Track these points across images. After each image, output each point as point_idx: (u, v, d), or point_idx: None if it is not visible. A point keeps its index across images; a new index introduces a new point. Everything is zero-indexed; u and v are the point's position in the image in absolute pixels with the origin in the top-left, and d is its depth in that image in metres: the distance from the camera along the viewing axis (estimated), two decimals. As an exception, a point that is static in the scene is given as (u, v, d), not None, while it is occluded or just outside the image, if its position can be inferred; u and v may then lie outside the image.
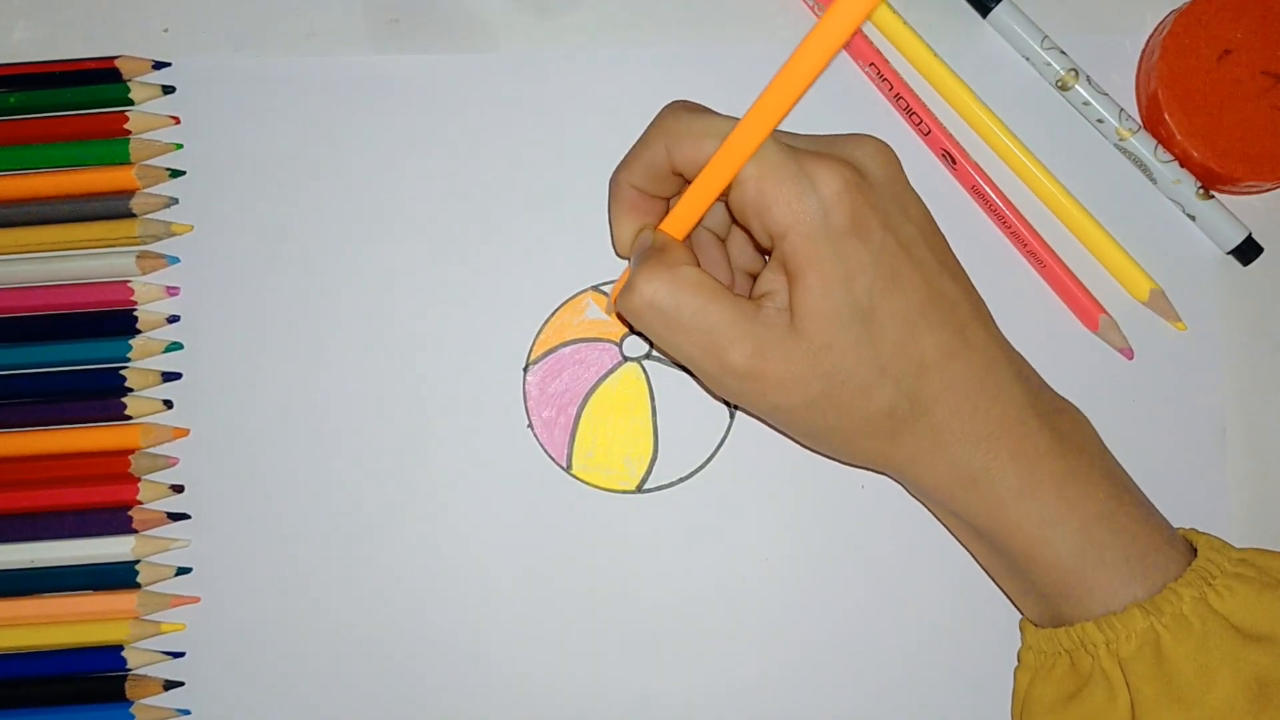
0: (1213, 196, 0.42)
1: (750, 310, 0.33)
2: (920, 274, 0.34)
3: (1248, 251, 0.42)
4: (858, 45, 0.42)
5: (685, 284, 0.33)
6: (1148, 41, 0.43)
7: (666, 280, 0.33)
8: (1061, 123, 0.43)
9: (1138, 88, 0.43)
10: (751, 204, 0.33)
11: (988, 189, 0.41)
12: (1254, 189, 0.42)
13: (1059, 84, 0.42)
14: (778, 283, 0.34)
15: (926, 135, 0.42)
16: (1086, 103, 0.42)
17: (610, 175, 0.37)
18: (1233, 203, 0.42)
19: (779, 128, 0.32)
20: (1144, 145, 0.42)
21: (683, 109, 0.35)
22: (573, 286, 0.42)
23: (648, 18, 0.43)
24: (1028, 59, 0.42)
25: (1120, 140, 0.42)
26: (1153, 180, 0.42)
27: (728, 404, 0.42)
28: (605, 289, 0.42)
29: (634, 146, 0.36)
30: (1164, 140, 0.42)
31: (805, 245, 0.32)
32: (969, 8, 0.43)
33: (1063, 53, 0.42)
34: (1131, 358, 0.42)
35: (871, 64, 0.42)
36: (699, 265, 0.34)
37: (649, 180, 0.36)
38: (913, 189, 0.36)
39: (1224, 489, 0.41)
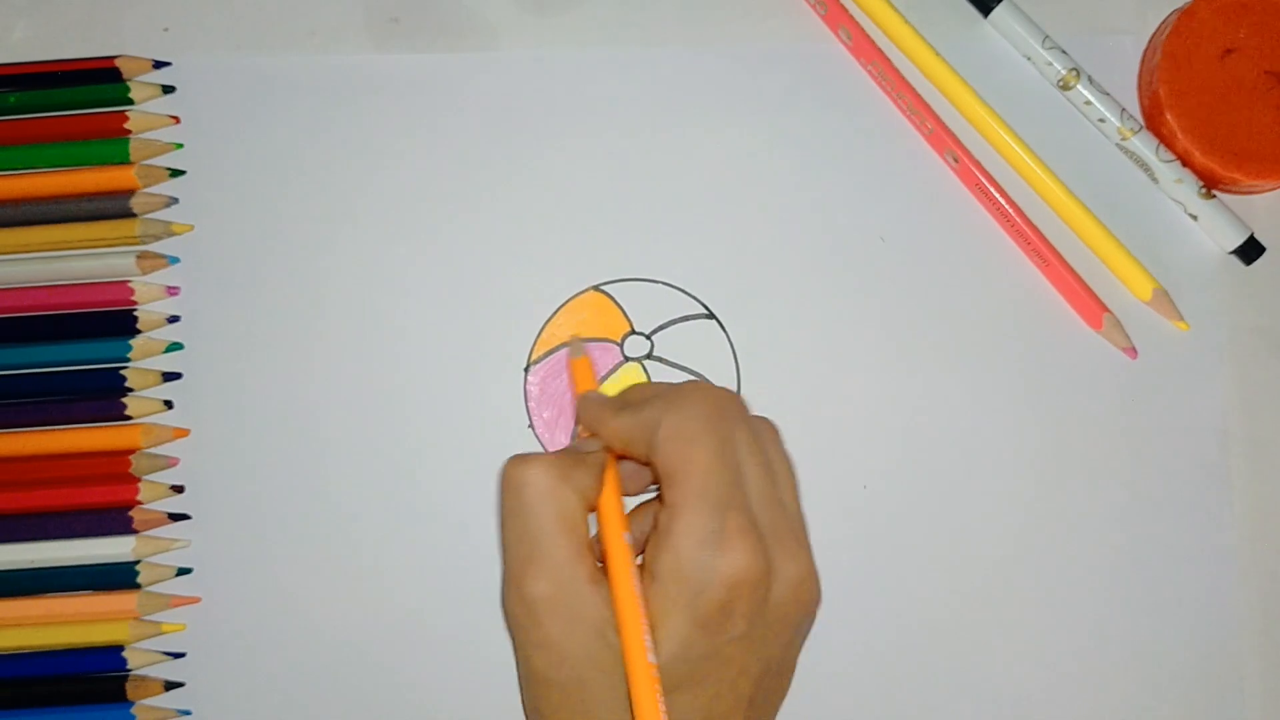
0: (1214, 196, 0.42)
1: (583, 573, 0.33)
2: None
3: (1250, 251, 0.42)
4: (860, 44, 0.42)
5: (558, 501, 0.33)
6: (1149, 41, 0.43)
7: (554, 483, 0.33)
8: (1063, 122, 0.43)
9: (1139, 87, 0.43)
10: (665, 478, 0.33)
11: (991, 188, 0.41)
12: (1256, 189, 0.42)
13: (1060, 84, 0.42)
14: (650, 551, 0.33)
15: (929, 134, 0.42)
16: (1088, 102, 0.42)
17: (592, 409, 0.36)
18: (1234, 202, 0.42)
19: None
20: (1146, 145, 0.42)
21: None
22: (573, 286, 0.42)
23: (648, 18, 0.43)
24: (1029, 59, 0.42)
25: (1122, 140, 0.42)
26: (1154, 180, 0.42)
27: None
28: (605, 289, 0.42)
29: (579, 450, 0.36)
30: (1166, 140, 0.42)
31: (673, 585, 0.32)
32: (970, 7, 0.43)
33: (1064, 52, 0.42)
34: (1135, 357, 0.42)
35: (874, 63, 0.42)
36: (599, 497, 0.34)
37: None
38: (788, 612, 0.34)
39: (1226, 487, 0.41)
